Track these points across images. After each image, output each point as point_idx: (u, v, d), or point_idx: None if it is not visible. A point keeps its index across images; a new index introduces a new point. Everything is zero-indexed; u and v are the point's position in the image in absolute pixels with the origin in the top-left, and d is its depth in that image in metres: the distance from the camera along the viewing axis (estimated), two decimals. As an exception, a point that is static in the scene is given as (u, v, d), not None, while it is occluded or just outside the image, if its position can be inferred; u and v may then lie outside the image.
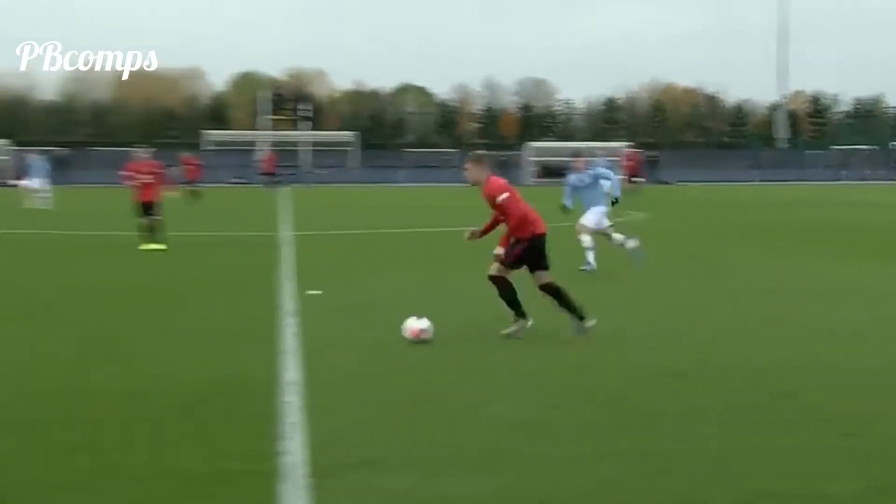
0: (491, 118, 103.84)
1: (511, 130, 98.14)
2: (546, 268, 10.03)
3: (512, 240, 10.01)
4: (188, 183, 39.61)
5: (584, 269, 15.42)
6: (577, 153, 16.95)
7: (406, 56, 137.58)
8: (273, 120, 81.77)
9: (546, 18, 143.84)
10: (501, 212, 10.01)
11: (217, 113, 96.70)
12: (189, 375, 8.24)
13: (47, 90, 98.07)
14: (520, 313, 9.99)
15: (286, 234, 23.68)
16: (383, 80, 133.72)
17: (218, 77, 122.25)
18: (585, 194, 16.32)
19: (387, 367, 8.62)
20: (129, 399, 7.46)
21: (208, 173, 66.78)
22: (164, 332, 10.36)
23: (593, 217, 16.09)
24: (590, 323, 9.98)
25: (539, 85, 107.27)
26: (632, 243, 16.12)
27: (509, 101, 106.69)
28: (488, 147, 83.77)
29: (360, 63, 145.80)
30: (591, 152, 52.91)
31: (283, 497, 5.26)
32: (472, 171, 10.23)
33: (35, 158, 40.60)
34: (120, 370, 8.46)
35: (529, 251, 9.95)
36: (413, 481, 5.56)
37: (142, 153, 20.90)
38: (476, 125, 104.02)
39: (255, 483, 5.52)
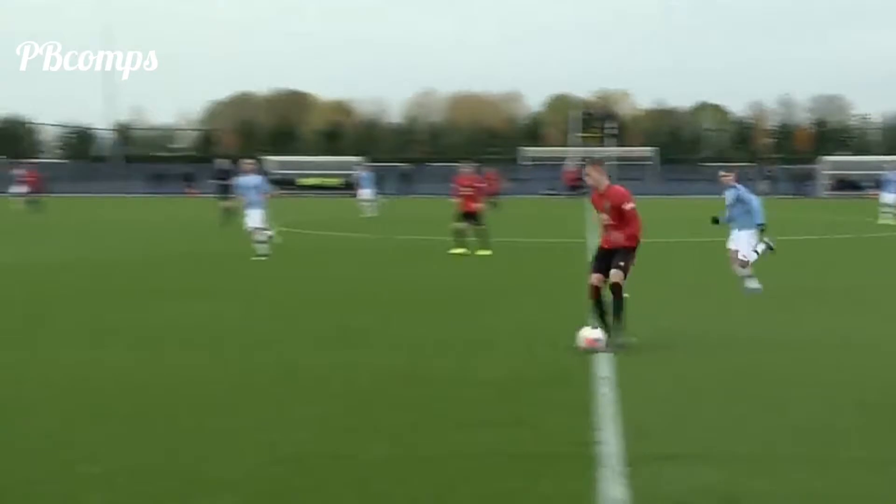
0: (785, 133, 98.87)
1: (805, 145, 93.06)
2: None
3: (622, 251, 9.46)
4: (490, 195, 40.50)
5: (753, 290, 13.46)
6: (727, 167, 14.57)
7: (703, 76, 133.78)
8: (582, 137, 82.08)
9: (838, 34, 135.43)
10: (624, 218, 9.46)
11: (533, 131, 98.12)
12: (514, 367, 8.44)
13: (394, 114, 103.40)
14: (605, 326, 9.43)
15: (593, 240, 23.69)
16: (682, 99, 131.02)
17: (534, 99, 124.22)
18: (733, 213, 14.16)
19: (690, 367, 8.49)
20: (462, 386, 7.73)
21: (525, 186, 68.25)
22: (489, 328, 10.69)
23: (743, 245, 13.87)
24: (631, 339, 9.34)
25: (833, 101, 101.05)
26: (752, 284, 13.62)
27: (803, 118, 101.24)
28: (783, 161, 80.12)
29: (661, 84, 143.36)
30: (879, 165, 49.18)
31: (600, 481, 5.33)
32: (593, 175, 9.67)
33: (364, 172, 42.85)
34: (451, 362, 8.78)
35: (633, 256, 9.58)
36: (717, 477, 5.46)
37: (464, 168, 21.73)
38: (770, 140, 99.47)
39: (576, 466, 5.60)
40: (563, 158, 76.93)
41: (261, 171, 20.32)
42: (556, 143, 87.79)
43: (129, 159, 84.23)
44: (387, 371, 8.26)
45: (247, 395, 7.41)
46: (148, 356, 8.96)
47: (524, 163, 79.15)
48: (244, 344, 9.63)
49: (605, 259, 9.56)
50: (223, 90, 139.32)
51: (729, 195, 14.16)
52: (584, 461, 5.66)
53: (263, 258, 18.93)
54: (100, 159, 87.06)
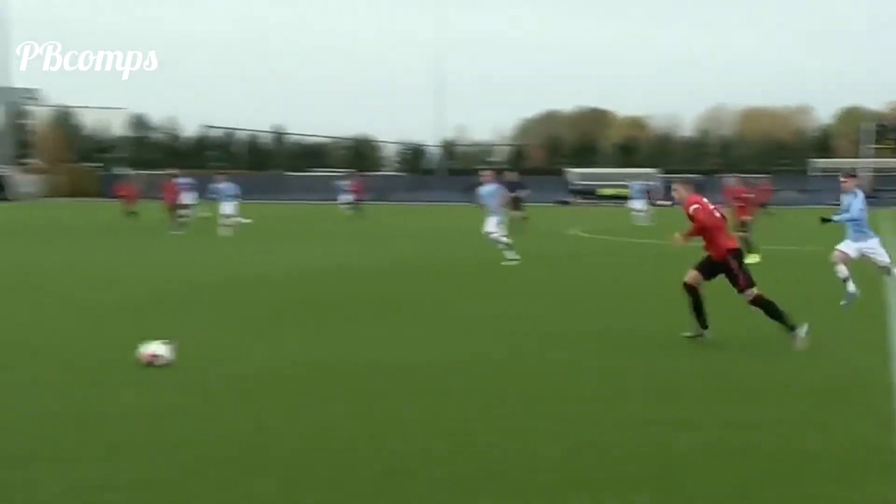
0: None
1: None
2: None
3: (729, 268, 9.22)
4: (761, 205, 38.04)
5: (844, 304, 11.62)
6: (847, 172, 12.39)
7: None
8: (875, 149, 75.82)
9: None
10: (692, 220, 9.33)
11: (823, 143, 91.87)
12: (811, 372, 8.05)
13: (687, 128, 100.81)
14: (703, 324, 9.39)
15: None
16: None
17: (825, 112, 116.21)
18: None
19: None
20: (764, 389, 7.43)
21: (815, 196, 64.19)
22: (776, 334, 9.92)
23: (851, 247, 11.91)
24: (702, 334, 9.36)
25: None
26: (851, 288, 11.66)
27: None
28: None
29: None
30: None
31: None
32: (679, 191, 9.62)
33: (637, 184, 41.97)
34: (748, 365, 8.44)
35: (722, 266, 9.24)
36: None
37: (731, 179, 21.44)
38: None
39: (885, 473, 5.25)
40: (853, 170, 71.56)
41: (498, 180, 19.55)
42: (846, 155, 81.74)
43: (452, 172, 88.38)
44: (683, 370, 8.10)
45: (540, 390, 7.41)
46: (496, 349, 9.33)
47: (814, 174, 74.46)
48: (540, 341, 9.69)
49: (709, 266, 9.44)
50: (532, 109, 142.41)
51: (845, 201, 12.08)
52: (886, 468, 5.29)
53: (514, 262, 18.30)
54: (428, 172, 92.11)
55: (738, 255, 9.40)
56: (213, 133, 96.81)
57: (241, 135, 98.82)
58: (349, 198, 44.48)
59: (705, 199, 9.51)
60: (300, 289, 14.47)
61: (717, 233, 9.35)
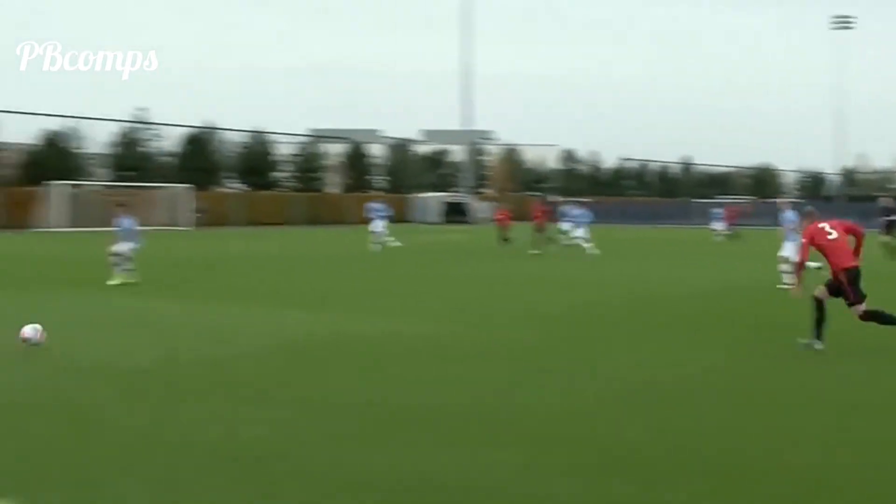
0: None
1: None
2: (856, 299, 9.37)
3: (839, 274, 9.49)
4: None
5: None
6: None
7: None
8: None
9: None
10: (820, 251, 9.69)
11: None
12: None
13: None
14: (819, 335, 9.52)
15: None
16: None
17: None
18: None
19: None
20: None
21: None
22: None
23: None
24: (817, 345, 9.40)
25: None
26: None
27: None
28: None
29: None
30: None
31: None
32: (802, 224, 10.21)
33: None
34: None
35: (837, 284, 9.52)
36: None
37: None
38: None
39: None
40: None
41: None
42: None
43: (852, 199, 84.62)
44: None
45: (806, 408, 7.18)
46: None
47: None
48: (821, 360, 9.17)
49: (833, 285, 9.68)
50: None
51: None
52: None
53: (784, 286, 16.55)
54: (828, 199, 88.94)
55: (850, 272, 9.46)
56: (629, 164, 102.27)
57: (653, 166, 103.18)
58: (722, 224, 43.91)
59: (822, 225, 9.73)
60: (700, 305, 14.78)
61: (830, 253, 9.59)
